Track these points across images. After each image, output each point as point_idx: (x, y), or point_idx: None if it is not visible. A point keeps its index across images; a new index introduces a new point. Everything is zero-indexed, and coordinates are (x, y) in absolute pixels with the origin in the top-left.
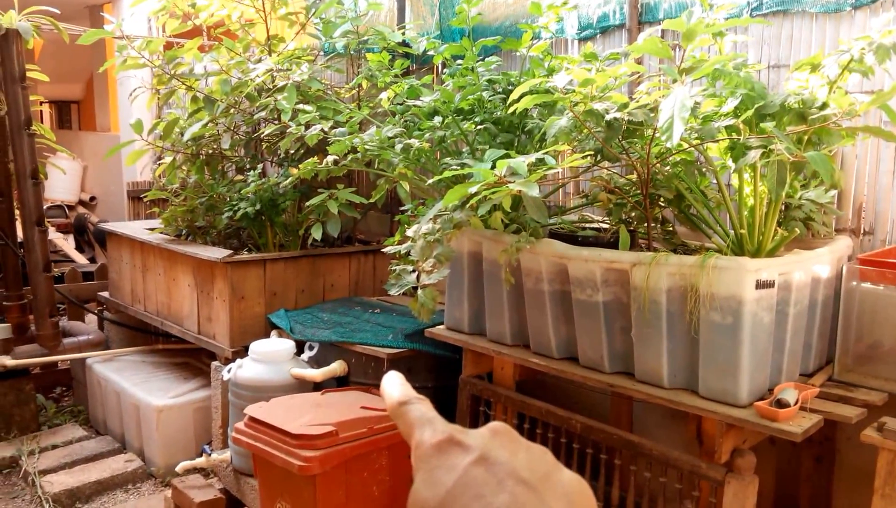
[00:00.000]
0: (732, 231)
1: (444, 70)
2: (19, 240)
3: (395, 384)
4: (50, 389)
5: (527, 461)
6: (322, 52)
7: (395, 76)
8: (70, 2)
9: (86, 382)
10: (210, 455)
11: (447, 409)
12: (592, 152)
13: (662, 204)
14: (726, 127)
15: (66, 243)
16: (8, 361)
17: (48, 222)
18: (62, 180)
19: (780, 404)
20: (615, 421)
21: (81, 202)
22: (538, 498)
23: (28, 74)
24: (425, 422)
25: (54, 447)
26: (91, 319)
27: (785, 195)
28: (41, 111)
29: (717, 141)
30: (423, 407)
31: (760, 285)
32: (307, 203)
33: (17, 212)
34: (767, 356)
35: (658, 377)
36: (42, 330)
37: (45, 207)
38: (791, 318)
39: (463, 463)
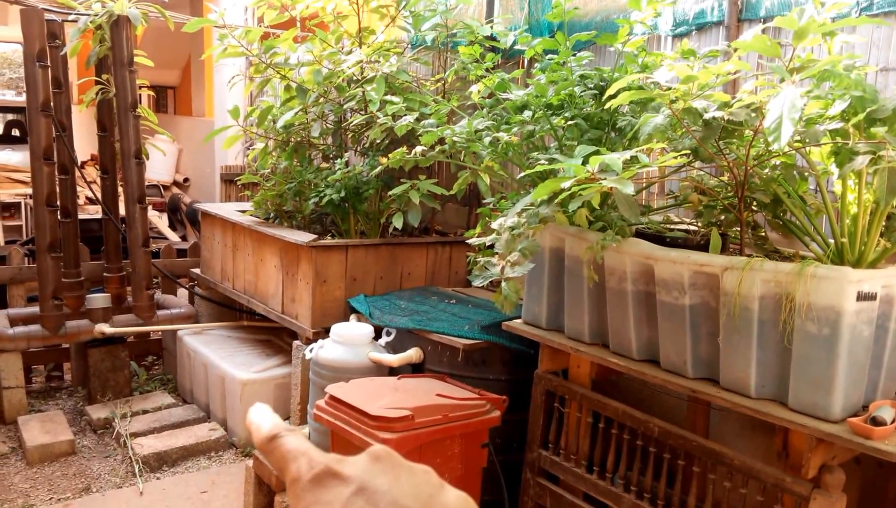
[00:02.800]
0: (832, 240)
1: (535, 65)
2: (121, 216)
3: (263, 416)
4: (142, 357)
5: (409, 486)
6: (410, 45)
7: (487, 70)
8: None
9: (176, 352)
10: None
11: (521, 404)
12: (688, 152)
13: (755, 208)
14: (831, 131)
15: (161, 221)
16: (107, 328)
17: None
18: (159, 161)
19: (876, 421)
20: (690, 428)
21: (175, 183)
22: None
23: (134, 58)
24: (299, 454)
25: (145, 412)
26: (183, 293)
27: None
28: (143, 95)
29: (822, 145)
30: (295, 439)
31: (861, 297)
32: (389, 192)
33: (119, 189)
34: (864, 371)
35: (745, 385)
36: (139, 301)
37: None
38: (891, 333)
39: (342, 497)
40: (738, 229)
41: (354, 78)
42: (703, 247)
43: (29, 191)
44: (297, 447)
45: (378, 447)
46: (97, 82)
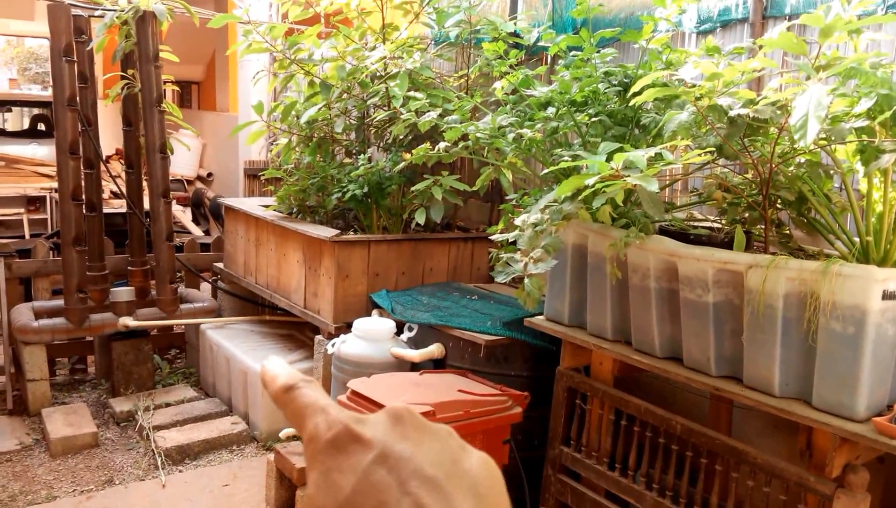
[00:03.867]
0: (857, 238)
1: (559, 62)
2: (145, 210)
3: (278, 367)
4: (165, 350)
5: (432, 451)
6: (433, 41)
7: (511, 66)
8: None
9: (199, 346)
10: None
11: (542, 400)
12: (713, 149)
13: (780, 206)
14: (857, 128)
15: (184, 216)
16: (130, 322)
17: None
18: (183, 156)
19: None
20: (713, 426)
21: (199, 178)
22: (444, 499)
23: (160, 54)
24: (318, 410)
25: (167, 405)
26: (206, 287)
27: None
28: (168, 91)
29: (848, 143)
30: (313, 392)
31: (887, 295)
32: (412, 188)
33: (144, 184)
34: (889, 370)
35: (769, 384)
36: (162, 295)
37: None
38: None
39: (362, 465)
40: (763, 226)
41: (378, 74)
42: (727, 244)
43: (54, 185)
44: (315, 400)
45: (399, 405)
46: (123, 77)
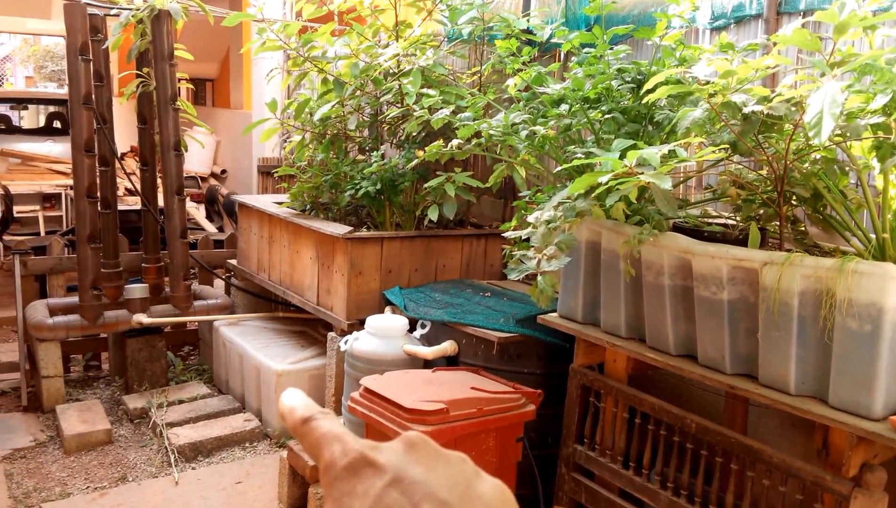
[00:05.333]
0: (874, 235)
1: (572, 58)
2: (159, 207)
3: (297, 399)
4: (179, 347)
5: (445, 476)
6: (446, 39)
7: (524, 63)
8: None
9: (212, 343)
10: None
11: (556, 398)
12: (727, 146)
13: (795, 203)
14: (873, 125)
15: (198, 212)
16: (144, 319)
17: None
18: (197, 153)
19: None
20: (728, 424)
21: (213, 175)
22: None
23: (174, 52)
24: (333, 439)
25: (180, 401)
26: (219, 284)
27: None
28: (182, 88)
29: (863, 139)
30: (329, 423)
31: None
32: (425, 185)
33: (158, 181)
34: None
35: (784, 382)
36: (176, 292)
37: None
38: None
39: (376, 488)
40: (778, 223)
41: (391, 71)
42: (742, 242)
43: (70, 182)
44: (331, 430)
45: (413, 433)
46: (138, 76)
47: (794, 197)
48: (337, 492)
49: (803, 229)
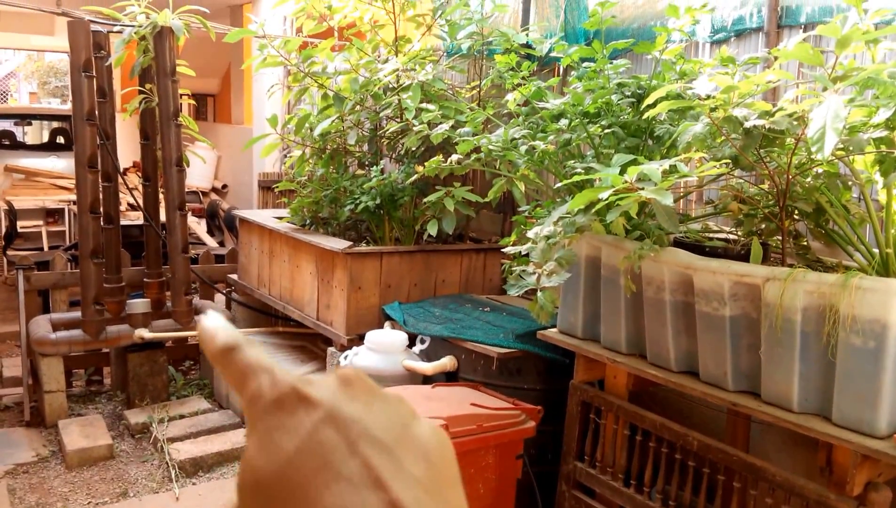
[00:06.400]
0: (877, 250)
1: (571, 73)
2: (161, 222)
3: (219, 323)
4: (180, 362)
5: (382, 415)
6: (445, 53)
7: (523, 78)
8: (213, 1)
9: None
10: None
11: (556, 414)
12: (728, 160)
13: (797, 217)
14: (876, 139)
15: (199, 227)
16: (146, 333)
17: None
18: (199, 168)
19: None
20: (731, 442)
21: (214, 189)
22: (394, 462)
23: (177, 68)
24: (261, 370)
25: (181, 416)
26: (220, 298)
27: None
28: (184, 104)
29: (866, 153)
30: (256, 353)
31: None
32: (424, 199)
33: (160, 196)
34: None
35: (787, 399)
36: (177, 306)
37: None
38: None
39: (308, 424)
40: (780, 238)
41: (390, 86)
42: (744, 257)
43: (73, 197)
44: (258, 361)
45: (348, 369)
46: (140, 92)
47: (797, 212)
48: (263, 425)
49: (806, 244)
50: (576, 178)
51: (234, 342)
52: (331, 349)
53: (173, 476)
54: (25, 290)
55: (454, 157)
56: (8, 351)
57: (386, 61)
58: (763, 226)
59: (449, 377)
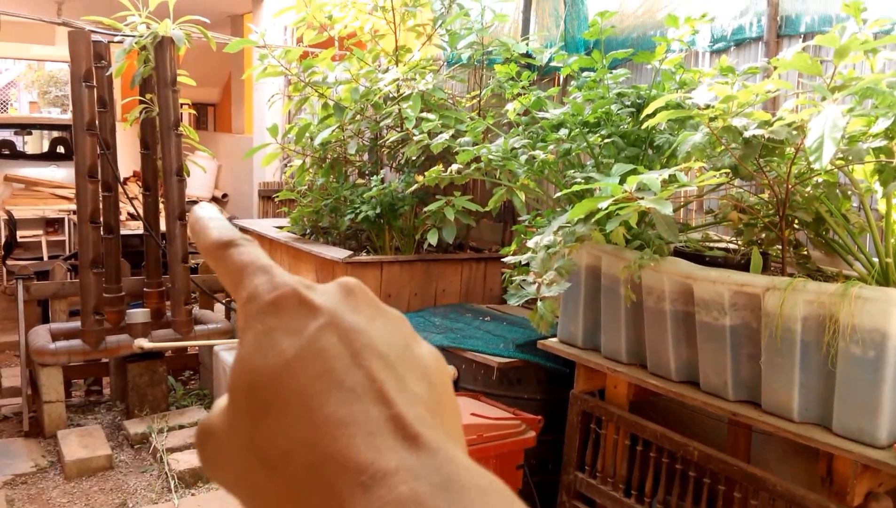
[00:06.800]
0: (877, 259)
1: (571, 82)
2: (161, 232)
3: (213, 219)
4: (179, 372)
5: (385, 330)
6: (446, 63)
7: (523, 87)
8: (214, 11)
9: (212, 367)
10: None
11: (556, 424)
12: (728, 170)
13: (797, 226)
14: (875, 148)
15: None
16: (145, 343)
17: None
18: (199, 178)
19: None
20: (732, 451)
21: (214, 199)
22: (396, 377)
23: (177, 78)
24: (260, 269)
25: (181, 427)
26: (219, 308)
27: None
28: (184, 113)
29: (865, 163)
30: (254, 250)
31: None
32: (424, 209)
33: (161, 206)
34: None
35: (788, 409)
36: (177, 316)
37: None
38: None
39: (310, 328)
40: (780, 247)
41: (391, 95)
42: (744, 266)
43: (73, 207)
44: (256, 260)
45: (350, 279)
46: (141, 101)
47: (796, 221)
48: (261, 325)
49: (806, 253)
50: (575, 187)
51: (230, 237)
52: None
53: (172, 486)
54: (25, 300)
55: (454, 166)
56: (7, 361)
57: (386, 71)
58: (763, 235)
59: None
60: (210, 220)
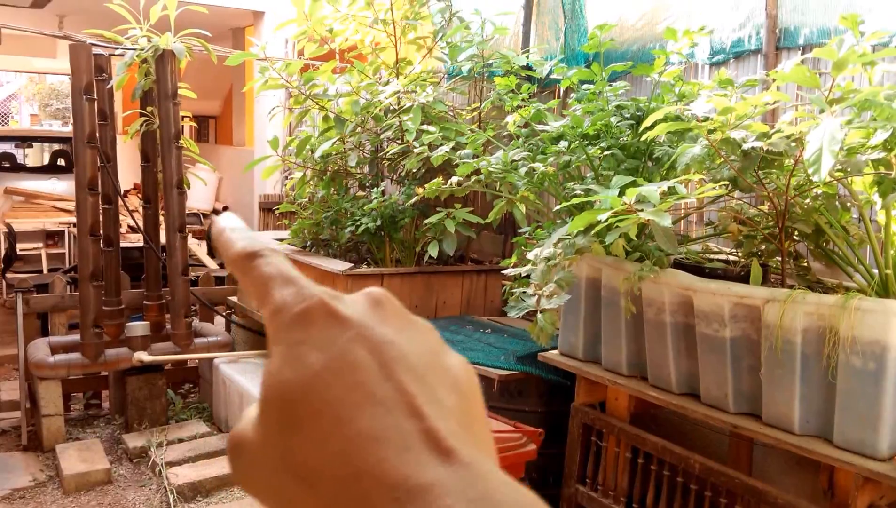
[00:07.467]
0: (877, 270)
1: (571, 95)
2: (162, 244)
3: (237, 230)
4: (179, 385)
5: (415, 341)
6: (446, 75)
7: (523, 100)
8: (215, 24)
9: (212, 380)
10: None
11: (557, 437)
12: (727, 182)
13: (797, 238)
14: (874, 160)
15: (200, 249)
16: (145, 357)
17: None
18: (199, 190)
19: None
20: (733, 464)
21: (215, 211)
22: (427, 389)
23: (178, 91)
24: (286, 281)
25: (180, 440)
26: (220, 321)
27: None
28: (185, 126)
29: (864, 175)
30: (280, 262)
31: None
32: (425, 221)
33: (161, 218)
34: None
35: (788, 421)
36: (177, 329)
37: None
38: None
39: (340, 341)
40: (780, 259)
41: (391, 108)
42: (744, 278)
43: (73, 219)
44: (283, 271)
45: (377, 289)
46: (142, 114)
47: (796, 233)
48: (289, 338)
49: (806, 265)
50: (575, 200)
51: (255, 248)
52: None
53: (171, 500)
54: (24, 313)
55: (454, 178)
56: (6, 375)
57: (387, 83)
58: (763, 247)
59: None
60: (234, 231)
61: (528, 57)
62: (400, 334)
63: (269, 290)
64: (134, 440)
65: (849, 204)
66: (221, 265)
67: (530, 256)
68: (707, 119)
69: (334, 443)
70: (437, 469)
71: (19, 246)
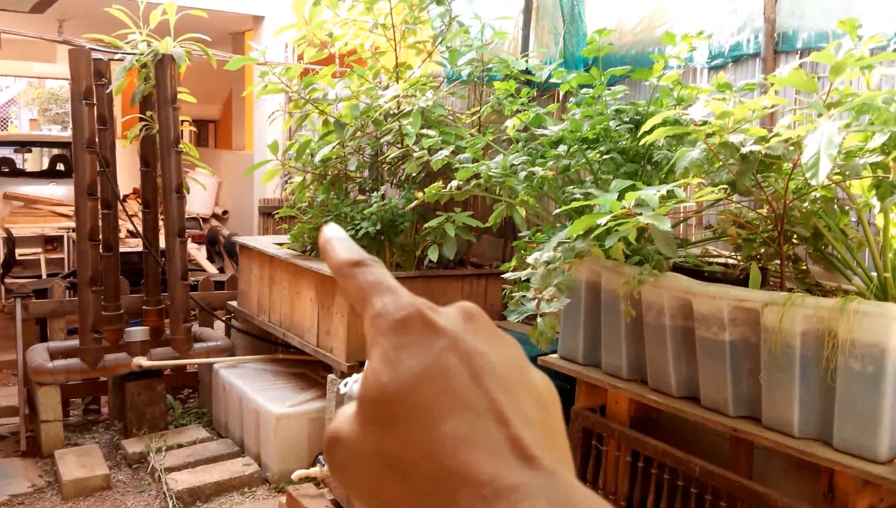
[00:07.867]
0: (875, 274)
1: (570, 99)
2: (161, 249)
3: (342, 239)
4: (178, 390)
5: (503, 355)
6: (446, 80)
7: (522, 104)
8: (215, 28)
9: (211, 385)
10: (324, 465)
11: None
12: (725, 186)
13: (795, 241)
14: (872, 164)
15: (199, 254)
16: (144, 362)
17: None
18: (199, 194)
19: None
20: (734, 467)
21: (214, 215)
22: (513, 400)
23: (177, 95)
24: (385, 289)
25: (179, 446)
26: (219, 326)
27: None
28: (185, 130)
29: (862, 178)
30: (381, 271)
31: None
32: (425, 225)
33: (160, 223)
34: None
35: (788, 424)
36: (176, 334)
37: None
38: None
39: (434, 348)
40: (779, 262)
41: (391, 112)
42: (743, 281)
43: (72, 224)
44: (383, 280)
45: (470, 303)
46: (141, 119)
47: (795, 236)
48: (387, 343)
49: (804, 268)
50: (574, 204)
51: (359, 257)
52: (331, 376)
53: (171, 506)
54: (23, 318)
55: (454, 183)
56: (4, 380)
57: (386, 88)
58: (762, 250)
59: None
60: (339, 240)
61: (527, 61)
62: (489, 346)
63: (370, 296)
64: (133, 446)
65: (847, 207)
66: (221, 270)
67: (530, 260)
68: (705, 123)
69: (426, 441)
70: (522, 472)
71: (18, 251)
